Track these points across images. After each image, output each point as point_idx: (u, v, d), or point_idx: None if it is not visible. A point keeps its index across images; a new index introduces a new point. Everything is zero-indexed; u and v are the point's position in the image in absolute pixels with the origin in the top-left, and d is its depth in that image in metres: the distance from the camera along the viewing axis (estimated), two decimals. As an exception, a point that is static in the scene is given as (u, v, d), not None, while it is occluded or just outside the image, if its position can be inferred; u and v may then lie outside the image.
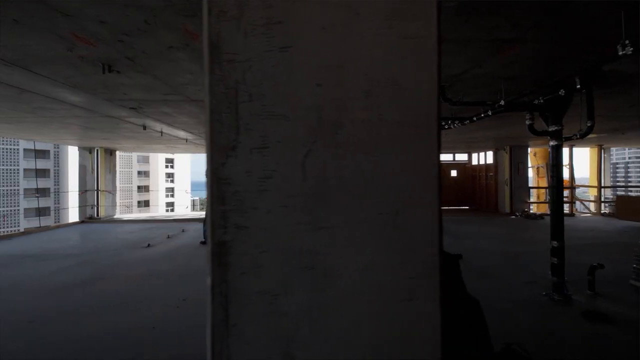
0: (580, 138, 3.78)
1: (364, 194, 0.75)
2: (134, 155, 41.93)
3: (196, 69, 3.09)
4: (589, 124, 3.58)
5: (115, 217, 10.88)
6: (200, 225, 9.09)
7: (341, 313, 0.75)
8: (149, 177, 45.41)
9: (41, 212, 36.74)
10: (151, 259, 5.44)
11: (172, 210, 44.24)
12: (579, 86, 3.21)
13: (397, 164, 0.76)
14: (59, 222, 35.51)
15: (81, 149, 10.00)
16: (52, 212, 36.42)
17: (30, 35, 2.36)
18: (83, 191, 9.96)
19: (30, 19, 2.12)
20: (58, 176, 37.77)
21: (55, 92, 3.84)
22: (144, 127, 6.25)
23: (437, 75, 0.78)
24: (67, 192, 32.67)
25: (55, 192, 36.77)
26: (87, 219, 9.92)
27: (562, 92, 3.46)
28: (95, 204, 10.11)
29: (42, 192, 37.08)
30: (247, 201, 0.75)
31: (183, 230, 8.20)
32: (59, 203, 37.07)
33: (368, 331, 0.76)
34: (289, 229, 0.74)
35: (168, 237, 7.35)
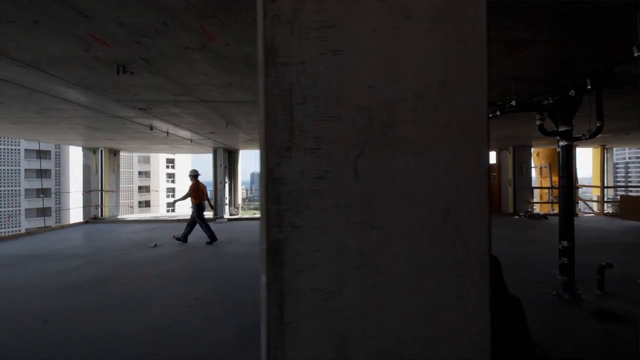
0: (589, 138, 3.80)
1: (414, 193, 0.76)
2: (135, 155, 41.94)
3: (210, 70, 3.10)
4: (598, 125, 3.59)
5: (118, 217, 10.89)
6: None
7: (392, 310, 0.77)
8: (149, 177, 45.39)
9: (42, 212, 36.73)
10: (159, 259, 5.45)
11: (173, 210, 44.26)
12: (589, 87, 3.23)
13: (446, 164, 0.77)
14: (60, 222, 35.54)
15: (85, 149, 10.01)
16: (53, 213, 36.40)
17: (48, 36, 2.37)
18: (87, 191, 9.97)
19: (50, 20, 2.14)
20: (59, 177, 37.73)
21: (67, 92, 3.85)
22: (151, 128, 6.26)
23: (485, 77, 0.79)
24: (69, 192, 32.66)
25: (56, 192, 36.74)
26: (91, 219, 9.93)
27: (572, 92, 3.48)
28: (99, 204, 10.12)
29: (44, 193, 37.05)
30: (301, 201, 0.76)
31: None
32: (60, 203, 37.04)
33: (418, 328, 0.77)
34: (342, 228, 0.76)
35: (174, 237, 7.35)
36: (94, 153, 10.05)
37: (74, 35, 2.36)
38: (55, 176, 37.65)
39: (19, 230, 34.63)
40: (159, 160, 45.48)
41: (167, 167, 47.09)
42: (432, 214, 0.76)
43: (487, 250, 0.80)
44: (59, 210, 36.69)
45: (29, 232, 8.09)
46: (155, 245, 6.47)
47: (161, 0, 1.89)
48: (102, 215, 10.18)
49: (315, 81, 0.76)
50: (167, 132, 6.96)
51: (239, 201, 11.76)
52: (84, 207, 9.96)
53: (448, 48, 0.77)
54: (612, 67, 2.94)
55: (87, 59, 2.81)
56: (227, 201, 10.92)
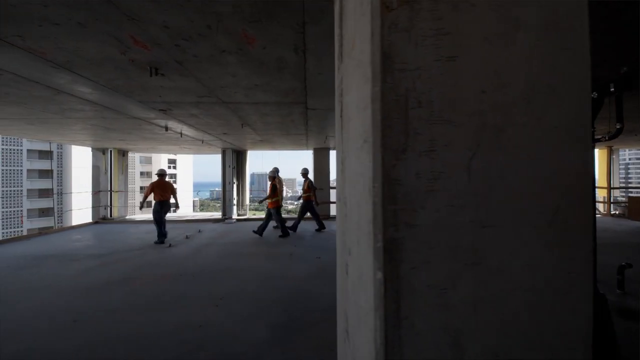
0: (609, 140, 3.83)
1: (525, 193, 0.79)
2: (137, 156, 41.93)
3: (240, 72, 3.14)
4: (618, 127, 3.63)
5: (127, 217, 10.91)
6: (216, 226, 9.14)
7: (503, 306, 0.80)
8: (151, 177, 45.37)
9: (44, 212, 36.71)
10: (176, 258, 5.48)
11: (174, 211, 44.09)
12: (612, 89, 3.27)
13: (554, 165, 0.80)
14: (61, 222, 35.45)
15: (95, 150, 10.04)
16: (55, 213, 36.39)
17: (89, 38, 2.41)
18: (96, 192, 9.99)
19: (95, 22, 2.17)
20: (61, 177, 37.72)
21: (92, 94, 3.89)
22: (166, 129, 6.29)
23: (589, 83, 0.82)
24: (71, 193, 32.66)
25: (58, 192, 36.72)
26: (101, 219, 9.95)
27: (594, 95, 3.52)
28: (109, 204, 10.14)
29: (45, 193, 37.04)
30: (416, 201, 0.80)
31: (200, 231, 8.25)
32: (62, 204, 37.01)
33: (527, 323, 0.80)
34: (455, 227, 0.79)
35: (187, 237, 7.39)
36: (103, 154, 10.08)
37: (115, 38, 2.39)
38: (57, 176, 37.64)
39: (21, 231, 34.64)
40: (160, 160, 45.51)
41: (169, 167, 47.13)
42: (542, 214, 0.80)
43: (591, 248, 0.83)
44: (62, 211, 36.67)
45: (41, 233, 8.10)
46: (170, 245, 6.49)
47: (212, 5, 1.93)
48: (111, 216, 10.20)
49: (430, 86, 0.80)
50: (181, 133, 6.99)
51: (247, 201, 11.78)
52: (92, 207, 9.98)
53: (554, 55, 0.81)
54: (637, 71, 2.98)
55: (121, 61, 2.84)
56: (235, 202, 10.94)
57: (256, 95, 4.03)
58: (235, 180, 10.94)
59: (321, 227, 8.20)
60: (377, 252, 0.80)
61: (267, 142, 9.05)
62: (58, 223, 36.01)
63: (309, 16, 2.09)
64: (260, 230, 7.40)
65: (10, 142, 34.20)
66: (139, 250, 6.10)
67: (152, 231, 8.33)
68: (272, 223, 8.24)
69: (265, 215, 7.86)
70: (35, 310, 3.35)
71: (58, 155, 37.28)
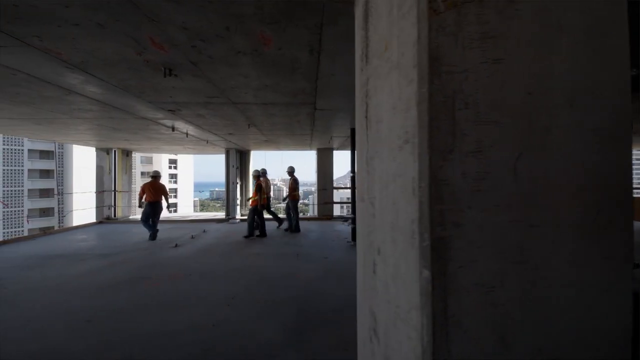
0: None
1: (568, 193, 0.81)
2: (138, 156, 41.92)
3: (252, 72, 3.16)
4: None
5: (130, 217, 10.92)
6: (220, 226, 9.15)
7: (548, 303, 0.81)
8: (152, 178, 45.38)
9: (44, 212, 36.71)
10: (183, 258, 5.49)
11: (176, 211, 44.21)
12: None
13: (596, 164, 0.82)
14: (62, 223, 35.42)
15: (98, 150, 10.05)
16: (56, 213, 36.40)
17: (107, 39, 2.42)
18: (100, 191, 10.00)
19: (115, 23, 2.19)
20: (62, 177, 37.73)
21: (104, 94, 3.90)
22: (173, 129, 6.31)
23: (629, 86, 0.84)
24: (71, 193, 32.66)
25: (59, 193, 36.72)
26: (105, 219, 9.97)
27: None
28: (113, 204, 10.16)
29: (45, 193, 37.05)
30: (462, 201, 0.81)
31: (204, 231, 8.26)
32: (63, 204, 37.01)
33: (571, 320, 0.82)
34: (501, 226, 0.81)
35: (192, 237, 7.41)
36: (107, 154, 10.09)
37: (133, 39, 2.41)
38: (58, 176, 37.64)
39: (22, 231, 34.62)
40: (161, 161, 45.51)
41: (170, 167, 47.15)
42: (584, 213, 0.81)
43: (631, 247, 0.85)
44: (63, 211, 36.67)
45: (46, 232, 8.11)
46: (177, 245, 6.51)
47: (233, 6, 1.94)
48: (115, 216, 10.22)
49: (476, 88, 0.81)
50: (187, 133, 7.01)
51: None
52: (96, 207, 10.00)
53: (596, 59, 0.82)
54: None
55: (136, 61, 2.86)
56: (238, 202, 10.95)
57: (266, 96, 4.05)
58: (238, 181, 10.96)
59: (290, 228, 8.12)
60: (423, 251, 0.82)
61: (271, 142, 9.07)
62: (60, 223, 36.00)
63: (327, 18, 2.11)
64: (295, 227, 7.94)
65: (11, 142, 34.20)
66: (145, 250, 6.11)
67: (159, 231, 8.35)
68: (284, 225, 8.40)
69: (273, 215, 8.11)
70: (48, 310, 3.36)
71: (59, 155, 37.28)
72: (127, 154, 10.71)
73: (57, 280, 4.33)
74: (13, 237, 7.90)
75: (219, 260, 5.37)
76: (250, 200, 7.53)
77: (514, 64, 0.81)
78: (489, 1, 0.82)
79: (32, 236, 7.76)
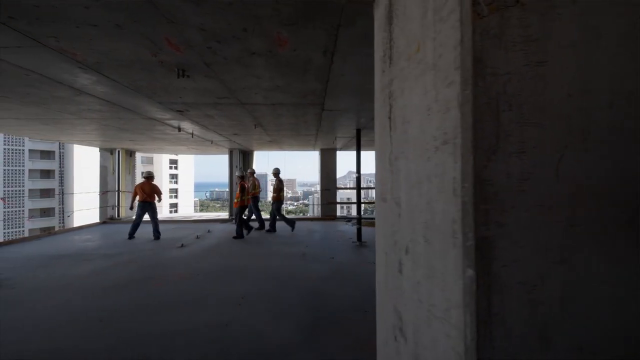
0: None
1: (610, 193, 0.83)
2: (138, 156, 41.90)
3: (265, 74, 3.17)
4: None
5: (134, 217, 10.91)
6: (224, 226, 9.15)
7: (589, 302, 0.83)
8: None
9: (45, 212, 36.69)
10: (189, 258, 5.50)
11: (176, 211, 44.20)
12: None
13: (635, 165, 0.83)
14: (62, 223, 35.38)
15: (102, 150, 10.06)
16: (56, 213, 36.41)
17: (124, 40, 2.44)
18: (104, 192, 10.01)
19: (133, 24, 2.20)
20: (63, 177, 37.72)
21: (115, 94, 3.92)
22: (179, 129, 6.32)
23: (667, 87, 0.86)
24: (73, 193, 32.66)
25: (60, 193, 36.72)
26: (108, 219, 9.97)
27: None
28: (116, 204, 10.16)
29: (46, 193, 37.04)
30: (506, 201, 0.82)
31: (209, 231, 8.27)
32: (63, 204, 37.00)
33: (610, 318, 0.83)
34: (544, 226, 0.82)
35: (197, 237, 7.42)
36: (111, 154, 10.11)
37: (150, 40, 2.42)
38: (59, 177, 37.64)
39: (23, 231, 34.60)
40: (162, 161, 45.51)
41: (170, 167, 47.15)
42: (623, 213, 0.83)
43: (670, 246, 0.86)
44: (63, 211, 36.65)
45: (50, 233, 8.12)
46: (182, 245, 6.52)
47: (252, 7, 1.96)
48: (118, 216, 10.22)
49: (519, 90, 0.83)
50: (192, 134, 7.02)
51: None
52: (100, 207, 10.00)
53: (634, 61, 0.84)
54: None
55: (150, 62, 2.87)
56: (241, 202, 10.96)
57: (275, 97, 4.07)
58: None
59: (262, 227, 8.25)
60: (467, 251, 0.83)
61: (275, 142, 9.08)
62: (60, 223, 35.98)
63: (344, 19, 2.12)
64: (271, 226, 8.05)
65: (13, 142, 34.20)
66: (150, 250, 6.12)
67: (162, 232, 8.37)
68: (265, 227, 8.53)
69: (270, 214, 8.19)
70: (58, 309, 3.37)
71: (60, 155, 37.27)
72: (130, 154, 10.73)
73: (65, 280, 4.34)
74: (18, 237, 7.92)
75: (226, 260, 5.38)
76: (235, 202, 7.59)
77: (555, 67, 0.82)
78: (531, 5, 0.84)
79: (37, 236, 7.77)
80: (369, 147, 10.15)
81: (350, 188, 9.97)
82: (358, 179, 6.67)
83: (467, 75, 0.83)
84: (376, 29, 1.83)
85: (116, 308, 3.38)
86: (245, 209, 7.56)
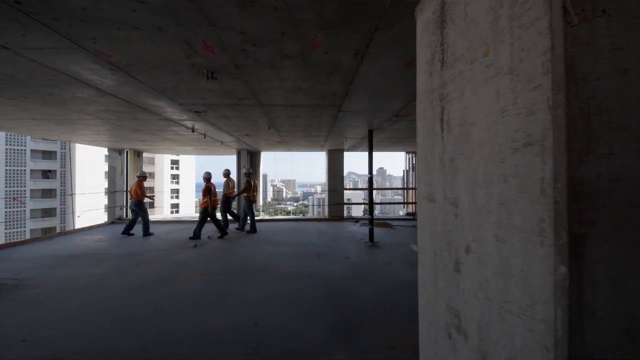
0: None
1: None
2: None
3: (291, 75, 3.21)
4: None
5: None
6: (232, 227, 9.17)
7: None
8: (154, 178, 45.37)
9: (46, 213, 36.63)
10: (206, 258, 5.53)
11: (177, 211, 44.22)
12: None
13: None
14: (65, 223, 35.32)
15: (111, 151, 10.09)
16: (58, 213, 36.37)
17: (161, 43, 2.47)
18: (112, 192, 10.03)
19: (175, 27, 2.23)
20: (64, 177, 37.69)
21: (138, 96, 3.95)
22: (193, 130, 6.36)
23: None
24: (74, 194, 32.64)
25: (61, 193, 36.68)
26: (117, 219, 9.99)
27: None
28: (124, 204, 10.18)
29: (48, 193, 37.00)
30: (597, 200, 0.86)
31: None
32: (64, 204, 36.95)
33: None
34: (632, 224, 0.86)
35: (208, 237, 7.44)
36: (120, 154, 10.13)
37: (187, 43, 2.46)
38: (61, 177, 37.61)
39: (24, 231, 34.56)
40: (163, 161, 45.51)
41: (172, 168, 47.16)
42: None
43: None
44: (64, 211, 36.61)
45: (61, 233, 8.13)
46: (195, 245, 6.55)
47: (295, 11, 2.00)
48: (126, 216, 10.24)
49: (608, 95, 0.87)
50: (205, 135, 7.06)
51: (260, 202, 11.83)
52: (109, 207, 10.02)
53: None
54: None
55: (182, 64, 2.91)
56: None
57: (296, 98, 4.11)
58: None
59: (223, 232, 7.70)
60: (560, 249, 0.86)
61: (284, 143, 9.12)
62: (61, 224, 35.93)
63: (383, 22, 2.16)
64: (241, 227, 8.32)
65: (14, 142, 34.18)
66: (165, 250, 6.15)
67: (172, 231, 8.39)
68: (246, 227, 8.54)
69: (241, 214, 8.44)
70: (85, 309, 3.39)
71: (62, 155, 37.25)
72: (138, 154, 10.75)
73: (86, 280, 4.36)
74: (31, 237, 7.94)
75: (241, 260, 5.41)
76: (201, 203, 7.65)
77: (638, 75, 0.86)
78: (616, 16, 0.88)
79: (48, 236, 7.78)
80: (378, 148, 10.19)
81: (361, 189, 9.99)
82: (370, 180, 6.71)
83: (559, 80, 0.87)
84: (420, 32, 1.87)
85: (142, 307, 3.41)
86: (214, 210, 7.51)
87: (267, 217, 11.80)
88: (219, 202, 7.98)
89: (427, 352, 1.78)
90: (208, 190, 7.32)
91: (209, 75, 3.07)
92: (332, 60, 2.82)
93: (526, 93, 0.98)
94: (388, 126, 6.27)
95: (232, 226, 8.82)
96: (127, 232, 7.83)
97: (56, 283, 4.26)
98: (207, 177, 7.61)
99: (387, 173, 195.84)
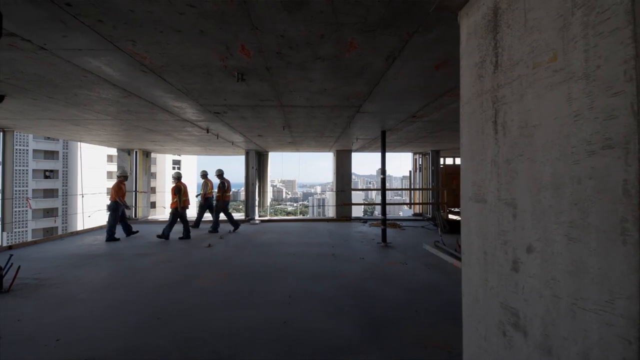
0: None
1: None
2: (141, 156, 41.80)
3: (319, 77, 3.25)
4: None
5: (149, 217, 10.97)
6: (243, 227, 9.21)
7: None
8: (155, 178, 45.38)
9: (48, 213, 36.62)
10: (222, 257, 5.57)
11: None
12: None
13: None
14: (66, 223, 35.30)
15: (120, 151, 10.12)
16: (60, 213, 36.37)
17: (200, 45, 2.51)
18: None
19: (218, 31, 2.27)
20: (66, 177, 37.70)
21: (162, 97, 3.99)
22: (207, 131, 6.40)
23: None
24: (83, 194, 32.63)
25: (63, 193, 36.69)
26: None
27: None
28: (134, 204, 10.21)
29: (50, 193, 37.00)
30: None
31: (230, 231, 8.33)
32: (67, 204, 36.97)
33: None
34: None
35: (221, 237, 7.48)
36: (129, 154, 10.17)
37: (226, 46, 2.50)
38: (63, 177, 37.61)
39: (26, 231, 34.58)
40: (165, 161, 45.55)
41: (173, 168, 47.18)
42: None
43: None
44: (66, 211, 36.61)
45: (72, 233, 8.17)
46: (210, 245, 6.58)
47: (341, 16, 2.04)
48: (135, 216, 10.27)
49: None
50: (218, 135, 7.10)
51: (268, 203, 11.87)
52: (117, 208, 10.05)
53: None
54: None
55: (214, 67, 2.95)
56: (257, 202, 11.03)
57: (318, 99, 4.15)
58: (257, 182, 11.05)
59: (187, 234, 7.62)
60: (646, 247, 0.90)
61: (294, 144, 9.16)
62: (63, 223, 35.93)
63: (423, 26, 2.20)
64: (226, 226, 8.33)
65: (16, 141, 34.21)
66: (181, 250, 6.18)
67: (180, 231, 8.41)
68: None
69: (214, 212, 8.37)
70: (113, 308, 3.42)
71: (64, 155, 37.28)
72: (146, 154, 10.79)
73: (107, 280, 4.39)
74: (45, 237, 7.96)
75: (258, 259, 5.44)
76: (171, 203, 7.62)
77: None
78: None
79: (60, 236, 7.81)
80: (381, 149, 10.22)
81: (375, 189, 10.01)
82: (383, 181, 6.75)
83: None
84: (466, 36, 1.91)
85: (169, 306, 3.44)
86: (184, 211, 7.48)
87: (275, 217, 11.83)
88: (189, 203, 7.99)
89: (474, 349, 1.81)
90: (177, 189, 7.32)
91: (239, 77, 3.11)
92: (363, 62, 2.86)
93: (605, 98, 1.02)
94: (402, 127, 6.32)
95: (225, 227, 8.83)
96: (128, 233, 7.66)
97: (78, 282, 4.29)
98: (177, 177, 7.42)
99: (387, 174, 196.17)
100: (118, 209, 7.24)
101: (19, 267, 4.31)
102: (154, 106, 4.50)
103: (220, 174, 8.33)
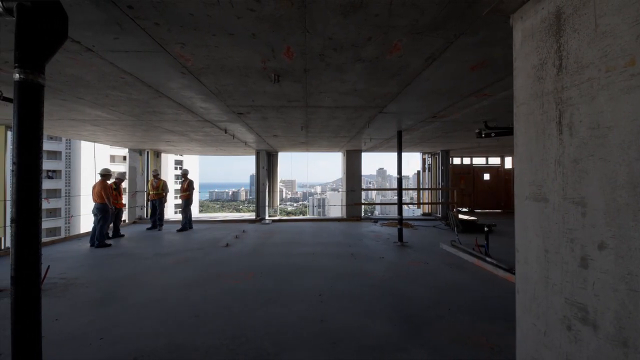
0: None
1: None
2: (144, 157, 41.83)
3: (353, 78, 3.29)
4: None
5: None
6: (255, 227, 9.26)
7: None
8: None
9: (51, 213, 36.63)
10: (242, 257, 5.62)
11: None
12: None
13: None
14: (69, 224, 35.29)
15: (131, 151, 10.16)
16: (63, 214, 36.39)
17: (246, 48, 2.55)
18: (133, 193, 10.10)
19: (269, 34, 2.31)
20: (69, 177, 37.71)
21: (192, 99, 4.03)
22: (226, 131, 6.44)
23: None
24: (79, 195, 32.64)
25: (66, 193, 36.69)
26: (138, 219, 10.06)
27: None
28: (145, 205, 10.26)
29: (52, 193, 37.00)
30: None
31: (244, 231, 8.39)
32: (69, 204, 36.96)
33: None
34: None
35: (236, 237, 7.53)
36: (140, 155, 10.21)
37: (271, 48, 2.54)
38: (66, 177, 37.63)
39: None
40: (168, 161, 45.56)
41: (176, 168, 47.21)
42: None
43: None
44: (69, 211, 36.59)
45: (88, 233, 8.20)
46: (227, 244, 6.63)
47: (394, 19, 2.08)
48: (147, 216, 10.31)
49: None
50: (234, 135, 7.14)
51: (277, 202, 11.92)
52: (129, 207, 10.09)
53: None
54: None
55: (253, 68, 2.99)
56: (267, 202, 11.08)
57: (345, 100, 4.19)
58: (267, 181, 11.09)
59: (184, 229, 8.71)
60: None
61: (307, 144, 9.21)
62: (66, 224, 35.93)
63: (472, 28, 2.25)
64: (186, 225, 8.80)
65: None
66: (199, 250, 6.23)
67: (199, 231, 8.45)
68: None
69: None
70: (148, 306, 3.47)
71: (66, 155, 37.30)
72: (157, 154, 10.83)
73: (135, 279, 4.44)
74: (62, 237, 8.00)
75: (278, 259, 5.49)
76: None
77: None
78: None
79: (77, 236, 7.86)
80: (392, 149, 10.26)
81: (391, 189, 10.06)
82: (399, 181, 6.81)
83: None
84: (521, 38, 1.95)
85: (204, 304, 3.49)
86: (115, 211, 7.36)
87: (285, 217, 11.88)
88: (123, 205, 8.13)
89: (531, 345, 1.86)
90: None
91: (275, 78, 3.15)
92: (401, 63, 2.91)
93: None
94: (420, 127, 6.37)
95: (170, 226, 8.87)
96: (116, 234, 7.64)
97: (106, 282, 4.33)
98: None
99: (387, 174, 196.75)
100: (108, 210, 6.74)
101: (48, 266, 4.36)
102: (180, 107, 4.54)
103: (185, 173, 8.89)
